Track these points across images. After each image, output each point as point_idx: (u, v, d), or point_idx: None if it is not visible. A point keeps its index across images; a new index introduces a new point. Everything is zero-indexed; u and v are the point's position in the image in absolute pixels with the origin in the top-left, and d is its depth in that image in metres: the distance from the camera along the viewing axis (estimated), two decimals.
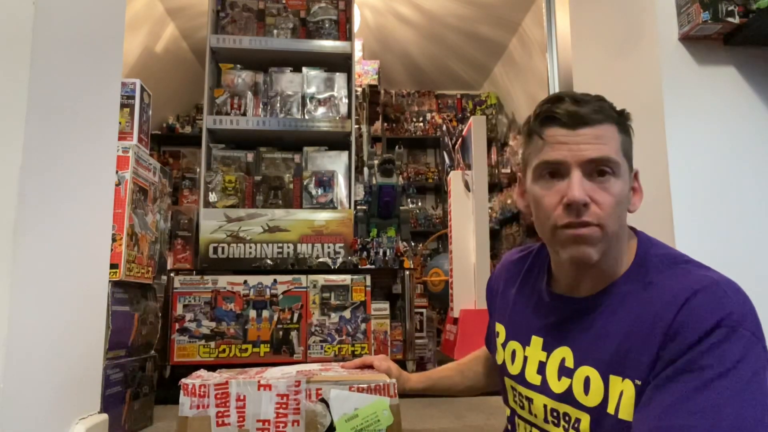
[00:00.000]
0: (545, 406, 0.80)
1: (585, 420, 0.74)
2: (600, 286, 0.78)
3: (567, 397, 0.77)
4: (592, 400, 0.74)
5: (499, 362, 0.93)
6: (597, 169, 0.75)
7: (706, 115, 1.28)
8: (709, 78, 1.29)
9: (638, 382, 0.69)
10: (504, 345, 0.93)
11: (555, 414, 0.79)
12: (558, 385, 0.79)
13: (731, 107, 1.29)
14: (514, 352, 0.89)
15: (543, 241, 0.84)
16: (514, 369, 0.89)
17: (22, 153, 0.86)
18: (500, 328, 0.95)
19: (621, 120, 0.79)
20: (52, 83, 0.96)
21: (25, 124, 0.87)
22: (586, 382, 0.75)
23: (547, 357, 0.82)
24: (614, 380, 0.72)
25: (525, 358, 0.86)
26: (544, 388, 0.81)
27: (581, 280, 0.80)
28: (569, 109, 0.75)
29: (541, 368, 0.82)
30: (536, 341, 0.85)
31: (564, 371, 0.79)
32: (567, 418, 0.77)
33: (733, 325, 0.65)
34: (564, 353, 0.80)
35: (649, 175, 1.33)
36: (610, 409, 0.71)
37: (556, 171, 0.76)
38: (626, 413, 0.69)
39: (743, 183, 1.26)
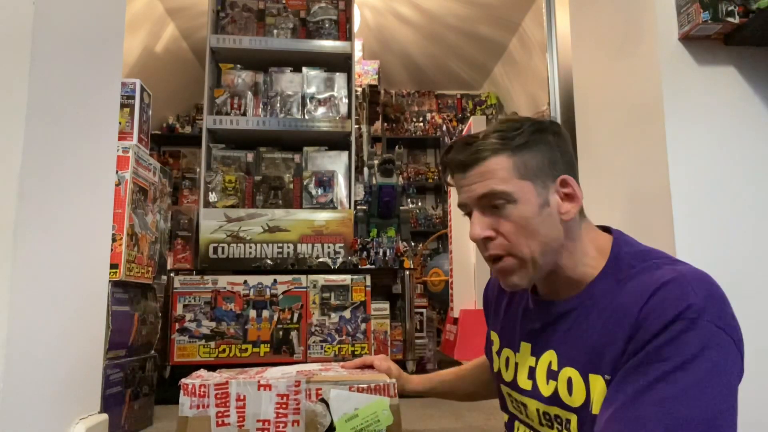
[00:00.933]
0: (537, 411, 0.82)
1: (573, 420, 0.75)
2: (577, 289, 0.80)
3: (554, 399, 0.78)
4: (576, 400, 0.75)
5: (495, 370, 0.95)
6: (490, 204, 0.78)
7: (706, 115, 1.28)
8: (709, 78, 1.29)
9: (608, 377, 0.70)
10: (499, 353, 0.94)
11: (547, 417, 0.80)
12: (546, 389, 0.80)
13: (731, 107, 1.29)
14: (507, 360, 0.91)
15: None
16: (508, 376, 0.90)
17: (22, 153, 0.86)
18: (495, 337, 0.97)
19: (515, 143, 0.78)
20: (52, 83, 0.96)
21: (25, 124, 0.87)
22: (569, 383, 0.76)
23: (536, 362, 0.83)
24: (593, 378, 0.73)
25: (516, 365, 0.88)
26: (534, 393, 0.82)
27: (553, 288, 0.83)
28: (455, 159, 0.81)
29: (531, 373, 0.84)
30: (525, 347, 0.87)
31: (550, 374, 0.80)
32: (559, 420, 0.78)
33: (693, 317, 0.64)
34: (550, 357, 0.81)
35: (649, 175, 1.33)
36: (593, 409, 0.72)
37: (467, 212, 0.82)
38: (599, 409, 0.70)
39: (743, 183, 1.26)
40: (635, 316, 0.68)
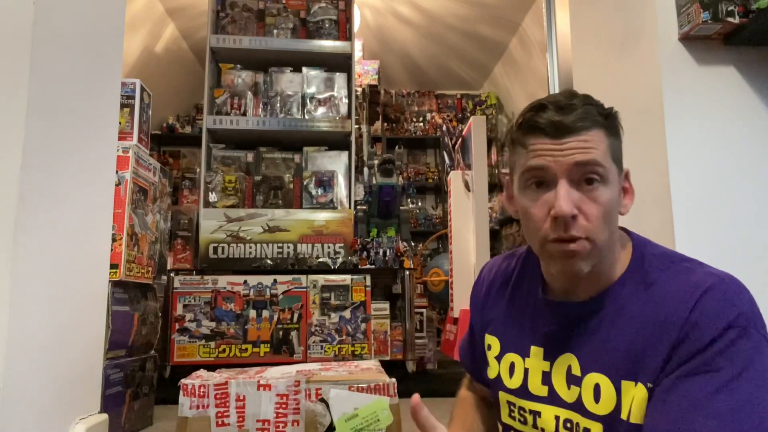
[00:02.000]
0: (557, 418, 0.77)
1: (596, 429, 0.72)
2: (597, 290, 0.76)
3: (578, 406, 0.74)
4: (604, 408, 0.71)
5: (492, 376, 0.88)
6: (585, 177, 0.71)
7: (706, 115, 1.28)
8: (709, 78, 1.29)
9: (650, 385, 0.67)
10: (499, 358, 0.88)
11: (568, 425, 0.76)
12: (568, 395, 0.76)
13: (731, 107, 1.29)
14: (512, 365, 0.85)
15: (533, 248, 0.81)
16: (513, 383, 0.85)
17: (22, 153, 0.86)
18: (493, 341, 0.90)
19: (609, 123, 0.74)
20: (52, 83, 0.96)
21: (25, 124, 0.87)
22: (596, 389, 0.73)
23: (551, 366, 0.79)
24: (626, 385, 0.70)
25: (526, 370, 0.83)
26: (553, 399, 0.78)
27: (576, 286, 0.78)
28: (553, 119, 0.72)
29: (546, 378, 0.79)
30: (536, 351, 0.82)
31: (572, 380, 0.76)
32: (570, 425, 0.75)
33: (745, 325, 0.64)
34: (569, 360, 0.77)
35: (649, 175, 1.33)
36: (623, 415, 0.69)
37: (542, 180, 0.73)
38: (638, 417, 0.67)
39: (743, 183, 1.26)
40: (682, 323, 0.66)
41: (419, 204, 5.41)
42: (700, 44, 1.29)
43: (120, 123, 1.76)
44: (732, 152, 1.27)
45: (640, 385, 0.68)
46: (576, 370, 0.75)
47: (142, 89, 1.93)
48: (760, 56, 1.30)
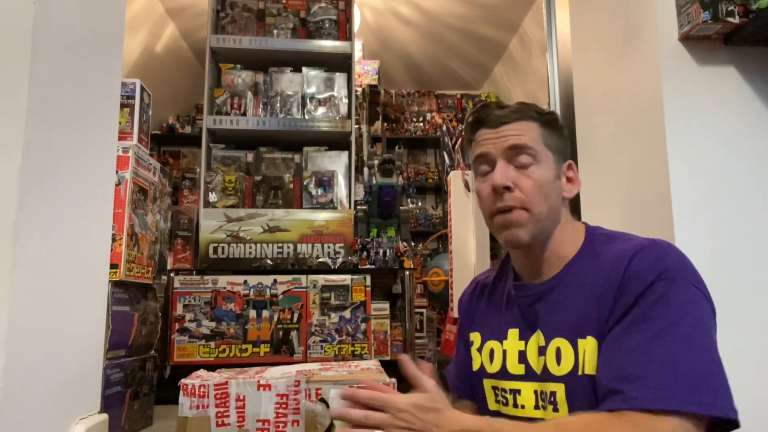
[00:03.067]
0: (535, 393, 0.84)
1: (560, 390, 0.79)
2: (557, 269, 0.86)
3: (545, 374, 0.82)
4: (565, 368, 0.79)
5: (476, 368, 0.95)
6: (518, 157, 0.84)
7: (706, 115, 1.28)
8: (709, 78, 1.29)
9: (599, 339, 0.75)
10: (480, 349, 0.95)
11: (543, 396, 0.82)
12: (537, 366, 0.84)
13: (731, 107, 1.28)
14: (492, 352, 0.92)
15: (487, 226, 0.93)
16: (493, 367, 0.91)
17: (22, 153, 0.86)
18: (475, 336, 0.98)
19: (543, 118, 0.88)
20: (52, 83, 0.96)
21: (25, 124, 0.87)
22: (557, 353, 0.80)
23: (525, 345, 0.87)
24: (582, 343, 0.77)
25: (504, 352, 0.90)
26: (529, 374, 0.84)
27: (538, 268, 0.87)
28: (492, 113, 0.88)
29: (522, 357, 0.87)
30: (513, 333, 0.90)
31: (540, 351, 0.84)
32: (544, 396, 0.81)
33: (673, 277, 0.72)
34: (537, 337, 0.85)
35: (649, 175, 1.33)
36: (580, 371, 0.76)
37: (486, 164, 0.87)
38: (591, 368, 0.75)
39: (743, 183, 1.26)
40: (619, 278, 0.75)
41: (419, 204, 5.41)
42: (700, 44, 1.29)
43: (120, 123, 1.76)
44: (732, 152, 1.27)
45: (590, 338, 0.76)
46: (542, 341, 0.84)
47: (142, 89, 1.93)
48: (760, 56, 1.30)
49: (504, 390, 0.89)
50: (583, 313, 0.78)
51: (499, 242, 0.90)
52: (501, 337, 0.91)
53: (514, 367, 0.87)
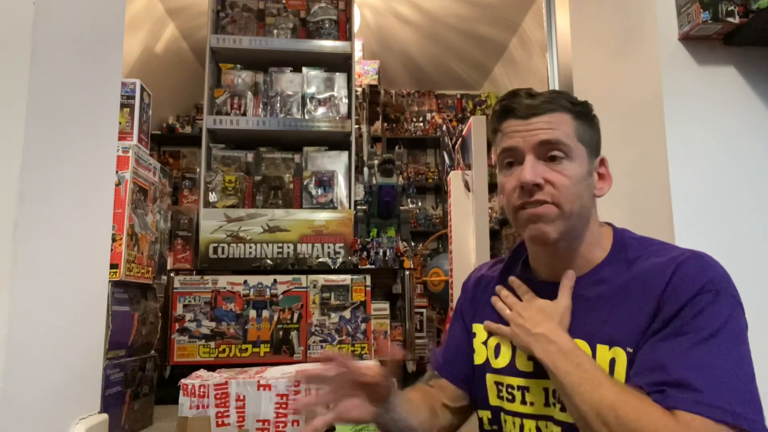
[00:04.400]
0: (545, 390, 0.82)
1: None
2: (583, 271, 0.83)
3: None
4: None
5: (480, 362, 0.92)
6: (549, 154, 0.79)
7: (706, 115, 1.28)
8: (709, 78, 1.29)
9: (630, 350, 0.73)
10: (485, 343, 0.93)
11: (554, 394, 0.80)
12: None
13: (731, 107, 1.28)
14: (498, 346, 0.90)
15: (510, 222, 0.88)
16: (499, 362, 0.89)
17: (22, 153, 0.86)
18: (478, 329, 0.95)
19: (576, 109, 0.82)
20: (52, 83, 0.96)
21: (25, 124, 0.87)
22: None
23: None
24: (601, 348, 0.76)
25: (513, 348, 0.87)
26: (538, 372, 0.82)
27: (561, 266, 0.84)
28: (523, 102, 0.81)
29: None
30: None
31: None
32: (555, 394, 0.79)
33: (718, 288, 0.71)
34: None
35: (649, 175, 1.33)
36: None
37: (513, 158, 0.82)
38: (619, 379, 0.73)
39: (743, 183, 1.26)
40: (661, 290, 0.73)
41: (419, 204, 5.41)
42: (700, 44, 1.29)
43: (120, 123, 1.76)
44: (732, 152, 1.27)
45: (617, 348, 0.75)
46: None
47: (142, 89, 1.93)
48: (760, 56, 1.30)
49: (510, 386, 0.87)
50: (609, 321, 0.76)
51: (524, 239, 0.85)
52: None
53: (524, 365, 0.85)
